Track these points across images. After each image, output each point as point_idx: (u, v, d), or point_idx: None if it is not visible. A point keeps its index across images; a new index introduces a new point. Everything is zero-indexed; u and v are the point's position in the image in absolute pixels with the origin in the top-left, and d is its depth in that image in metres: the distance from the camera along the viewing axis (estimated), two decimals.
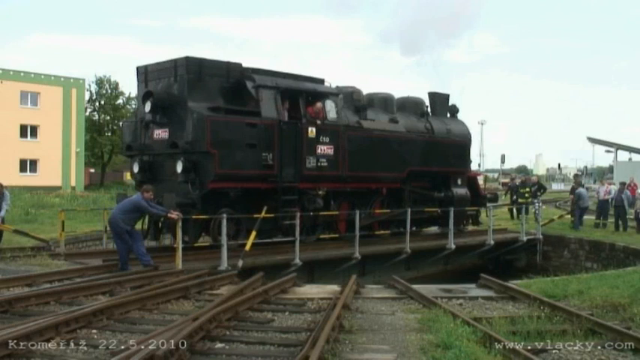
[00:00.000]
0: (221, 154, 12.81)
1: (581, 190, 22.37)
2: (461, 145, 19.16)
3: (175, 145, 12.98)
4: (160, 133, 13.60)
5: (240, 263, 12.07)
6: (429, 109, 18.99)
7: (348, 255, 14.60)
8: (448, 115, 19.69)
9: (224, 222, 12.11)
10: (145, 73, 14.16)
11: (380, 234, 16.68)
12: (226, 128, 13.04)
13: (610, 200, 21.14)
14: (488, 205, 19.82)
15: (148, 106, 13.35)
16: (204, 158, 12.82)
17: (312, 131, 14.49)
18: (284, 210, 13.77)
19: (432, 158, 17.91)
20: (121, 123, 58.84)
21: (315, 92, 15.00)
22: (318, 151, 14.60)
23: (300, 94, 14.63)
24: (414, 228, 17.42)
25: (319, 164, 14.60)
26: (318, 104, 14.82)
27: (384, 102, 17.56)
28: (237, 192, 13.46)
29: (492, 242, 18.23)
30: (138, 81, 14.44)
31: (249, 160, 13.34)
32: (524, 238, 19.28)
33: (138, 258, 11.36)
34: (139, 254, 11.35)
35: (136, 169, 14.09)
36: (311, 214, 14.55)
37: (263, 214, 13.11)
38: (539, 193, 23.97)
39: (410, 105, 18.33)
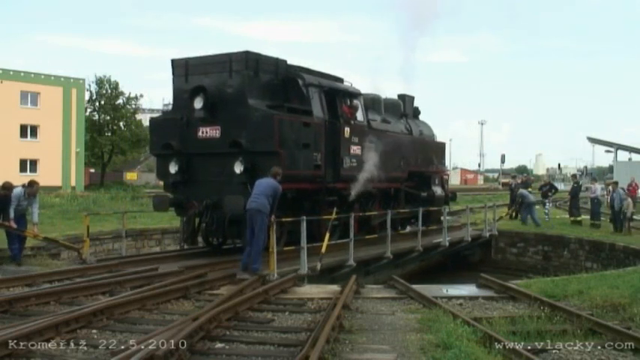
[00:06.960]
0: (285, 154, 12.31)
1: (522, 191, 22.92)
2: (441, 146, 20.75)
3: (236, 144, 12.17)
4: (209, 132, 12.70)
5: (318, 266, 11.87)
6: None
7: (380, 255, 14.70)
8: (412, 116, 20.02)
9: (303, 224, 11.36)
10: (185, 67, 13.24)
11: (403, 233, 17.12)
12: (289, 127, 12.53)
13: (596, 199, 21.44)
14: (470, 206, 20.60)
15: (198, 103, 12.47)
16: (266, 158, 12.05)
17: (347, 131, 14.34)
18: (330, 211, 13.32)
19: (423, 159, 18.64)
20: (121, 123, 60.16)
21: (348, 92, 14.90)
22: (351, 151, 14.50)
23: (338, 93, 14.44)
24: (399, 229, 17.75)
25: (351, 165, 14.52)
26: (354, 104, 14.80)
27: (373, 103, 17.48)
28: (292, 193, 12.88)
29: (470, 239, 18.90)
30: (174, 75, 13.48)
31: (304, 160, 12.93)
32: (487, 234, 20.37)
33: (253, 259, 10.86)
34: (257, 256, 10.84)
35: (173, 169, 13.10)
36: (361, 214, 14.54)
37: (334, 216, 12.74)
38: (550, 194, 24.03)
39: (390, 106, 18.38)
